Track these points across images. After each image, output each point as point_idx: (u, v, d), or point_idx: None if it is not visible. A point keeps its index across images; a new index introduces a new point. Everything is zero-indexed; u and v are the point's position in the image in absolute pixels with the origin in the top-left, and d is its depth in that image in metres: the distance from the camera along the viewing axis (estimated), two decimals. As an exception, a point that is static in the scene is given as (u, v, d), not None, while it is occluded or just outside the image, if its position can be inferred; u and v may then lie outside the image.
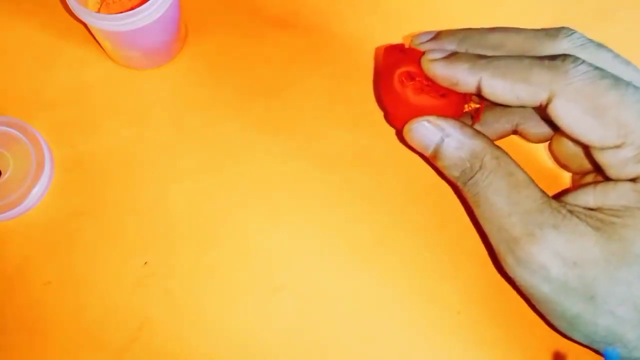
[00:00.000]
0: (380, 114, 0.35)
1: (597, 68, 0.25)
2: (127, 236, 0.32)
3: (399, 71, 0.29)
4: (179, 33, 0.35)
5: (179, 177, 0.34)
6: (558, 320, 0.27)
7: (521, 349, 0.30)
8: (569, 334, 0.27)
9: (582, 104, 0.25)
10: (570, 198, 0.27)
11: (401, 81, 0.29)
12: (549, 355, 0.30)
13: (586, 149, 0.27)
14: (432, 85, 0.29)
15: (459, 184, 0.28)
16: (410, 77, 0.29)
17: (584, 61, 0.25)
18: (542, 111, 0.27)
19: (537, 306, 0.27)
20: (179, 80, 0.36)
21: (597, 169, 0.27)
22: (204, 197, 0.33)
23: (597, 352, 0.27)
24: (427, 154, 0.29)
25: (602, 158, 0.26)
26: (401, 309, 0.31)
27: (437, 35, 0.30)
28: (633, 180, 0.25)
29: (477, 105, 0.31)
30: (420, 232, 0.32)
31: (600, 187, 0.26)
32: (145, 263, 0.32)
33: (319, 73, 0.36)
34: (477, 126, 0.31)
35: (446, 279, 0.32)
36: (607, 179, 0.26)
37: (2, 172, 0.33)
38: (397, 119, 0.31)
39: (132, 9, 0.30)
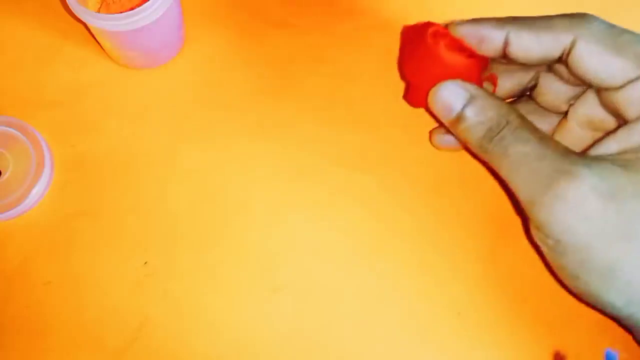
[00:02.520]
0: (380, 113, 0.35)
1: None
2: (127, 236, 0.33)
3: (431, 29, 0.30)
4: (179, 33, 0.35)
5: (178, 177, 0.34)
6: (591, 275, 0.26)
7: (521, 349, 0.30)
8: (601, 295, 0.26)
9: (603, 43, 0.26)
10: (592, 151, 0.27)
11: (434, 35, 0.30)
12: (549, 355, 0.30)
13: (606, 99, 0.28)
14: (460, 46, 0.30)
15: (483, 143, 0.28)
16: (442, 35, 0.30)
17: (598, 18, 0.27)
18: (563, 63, 0.28)
19: (568, 261, 0.26)
20: (179, 80, 0.36)
21: (618, 117, 0.28)
22: (204, 197, 0.33)
23: (623, 325, 0.27)
24: (452, 116, 0.29)
25: (621, 97, 0.27)
26: (401, 309, 0.31)
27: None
28: None
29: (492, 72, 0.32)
30: (421, 233, 0.32)
31: (620, 131, 0.27)
32: (145, 263, 0.32)
33: (319, 73, 0.36)
34: None
35: (446, 280, 0.32)
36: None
37: (2, 172, 0.33)
38: (423, 79, 0.30)
39: (132, 9, 0.30)
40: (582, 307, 0.30)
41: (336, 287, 0.32)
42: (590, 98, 0.29)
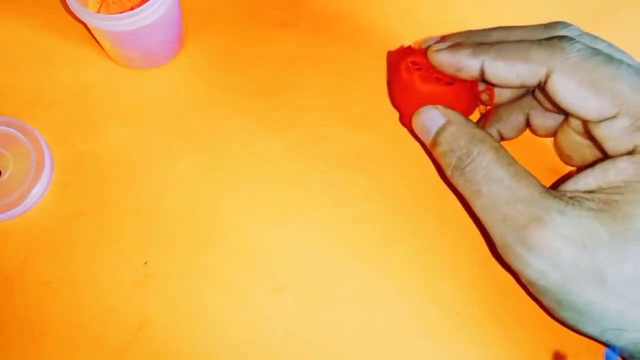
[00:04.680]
0: (380, 113, 0.35)
1: (591, 47, 0.26)
2: (126, 236, 0.32)
3: (406, 60, 0.30)
4: (179, 33, 0.35)
5: (178, 176, 0.34)
6: (567, 311, 0.26)
7: (521, 349, 0.30)
8: (578, 326, 0.26)
9: (578, 77, 0.26)
10: (570, 184, 0.27)
11: (408, 69, 0.30)
12: (549, 355, 0.30)
13: (585, 127, 0.28)
14: (439, 75, 0.30)
15: (456, 173, 0.28)
16: (417, 66, 0.30)
17: (579, 41, 0.26)
18: (541, 91, 0.28)
19: (545, 299, 0.27)
20: (179, 80, 0.36)
21: (598, 148, 0.28)
22: (203, 197, 0.33)
23: (604, 344, 0.27)
24: (428, 140, 0.30)
25: (599, 132, 0.26)
26: (401, 309, 0.31)
27: (442, 38, 0.31)
28: (631, 153, 0.25)
29: (488, 107, 0.32)
30: (420, 232, 0.32)
31: (598, 167, 0.26)
32: (145, 263, 0.32)
33: (319, 73, 0.36)
34: (493, 124, 0.33)
35: (446, 279, 0.32)
36: (607, 157, 0.27)
37: (2, 172, 0.33)
38: (407, 108, 0.31)
39: (132, 9, 0.30)
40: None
41: (336, 287, 0.32)
42: None
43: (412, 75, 0.30)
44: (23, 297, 0.32)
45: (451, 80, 0.30)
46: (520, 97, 0.33)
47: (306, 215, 0.33)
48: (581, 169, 0.30)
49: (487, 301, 0.31)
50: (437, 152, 0.29)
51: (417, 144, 0.34)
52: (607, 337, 0.26)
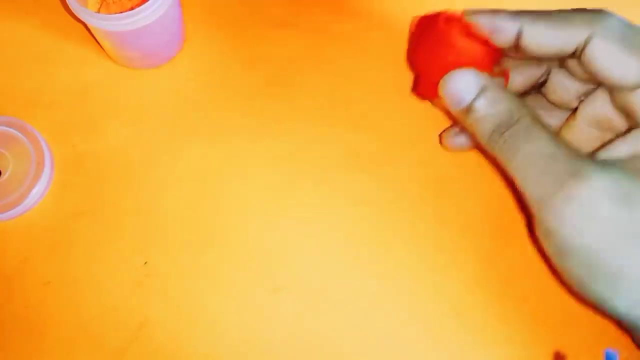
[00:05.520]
0: (380, 113, 0.35)
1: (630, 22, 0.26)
2: (126, 236, 0.32)
3: (444, 15, 0.29)
4: (179, 33, 0.35)
5: (178, 176, 0.34)
6: (597, 281, 0.25)
7: (521, 349, 0.30)
8: (607, 301, 0.25)
9: (618, 42, 0.26)
10: (602, 153, 0.27)
11: (448, 20, 0.29)
12: (549, 355, 0.30)
13: (614, 99, 0.28)
14: (473, 34, 0.29)
15: (493, 137, 0.27)
16: (455, 21, 0.29)
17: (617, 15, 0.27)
18: (577, 58, 0.27)
19: (575, 264, 0.26)
20: (179, 80, 0.36)
21: (628, 118, 0.28)
22: (203, 197, 0.33)
23: (627, 329, 0.26)
24: (462, 106, 0.28)
25: (636, 99, 0.26)
26: (401, 308, 0.31)
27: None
28: None
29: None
30: (421, 232, 0.32)
31: (632, 134, 0.26)
32: (145, 263, 0.32)
33: (319, 73, 0.36)
34: None
35: (446, 279, 0.32)
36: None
37: (2, 172, 0.33)
38: (433, 68, 0.30)
39: (132, 9, 0.30)
40: (582, 307, 0.30)
41: (336, 287, 0.32)
42: (601, 97, 0.29)
43: (450, 27, 0.28)
44: (23, 297, 0.32)
45: (484, 43, 0.28)
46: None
47: (306, 215, 0.33)
48: (610, 140, 0.29)
49: (487, 301, 0.31)
50: (472, 118, 0.28)
51: (417, 144, 0.34)
52: (635, 312, 0.25)
